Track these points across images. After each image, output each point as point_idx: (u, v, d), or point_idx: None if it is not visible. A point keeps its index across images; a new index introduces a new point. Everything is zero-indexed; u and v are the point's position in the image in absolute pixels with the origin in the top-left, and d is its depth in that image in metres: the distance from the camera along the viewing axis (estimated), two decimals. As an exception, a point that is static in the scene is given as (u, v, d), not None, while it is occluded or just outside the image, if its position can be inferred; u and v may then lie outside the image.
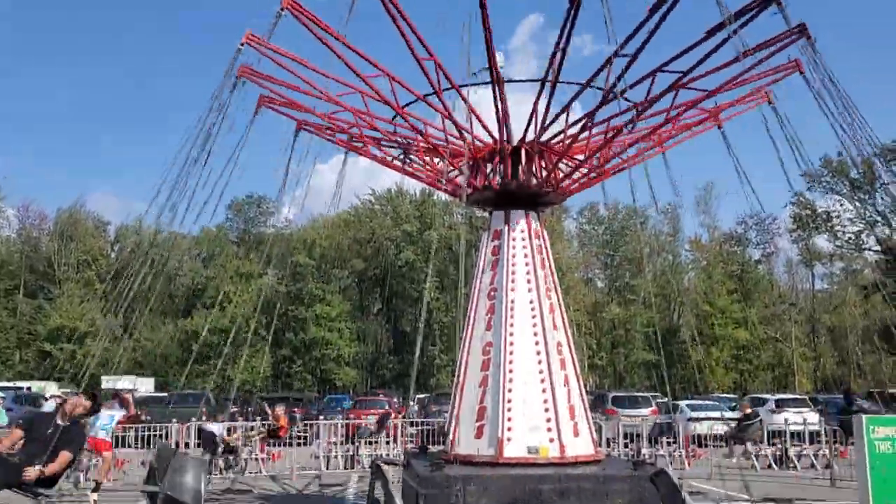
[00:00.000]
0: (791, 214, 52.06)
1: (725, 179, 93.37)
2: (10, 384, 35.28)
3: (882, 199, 47.05)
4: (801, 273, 66.17)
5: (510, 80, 10.92)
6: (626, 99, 10.38)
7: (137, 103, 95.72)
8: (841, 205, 50.26)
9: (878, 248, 50.56)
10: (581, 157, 11.40)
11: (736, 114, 11.55)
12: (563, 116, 10.66)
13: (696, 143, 11.74)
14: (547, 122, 10.45)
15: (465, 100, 10.49)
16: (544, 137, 10.73)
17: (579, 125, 10.71)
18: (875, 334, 53.07)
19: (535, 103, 10.20)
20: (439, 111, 10.71)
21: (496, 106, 10.23)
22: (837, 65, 9.67)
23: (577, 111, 11.29)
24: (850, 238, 51.80)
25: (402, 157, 12.28)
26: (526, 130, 10.83)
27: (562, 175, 11.23)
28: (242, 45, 9.72)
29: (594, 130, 11.01)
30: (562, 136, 10.84)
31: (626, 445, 19.84)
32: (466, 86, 10.57)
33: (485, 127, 10.98)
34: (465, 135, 10.87)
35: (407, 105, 10.71)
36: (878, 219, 49.92)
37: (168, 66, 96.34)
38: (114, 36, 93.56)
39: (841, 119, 9.38)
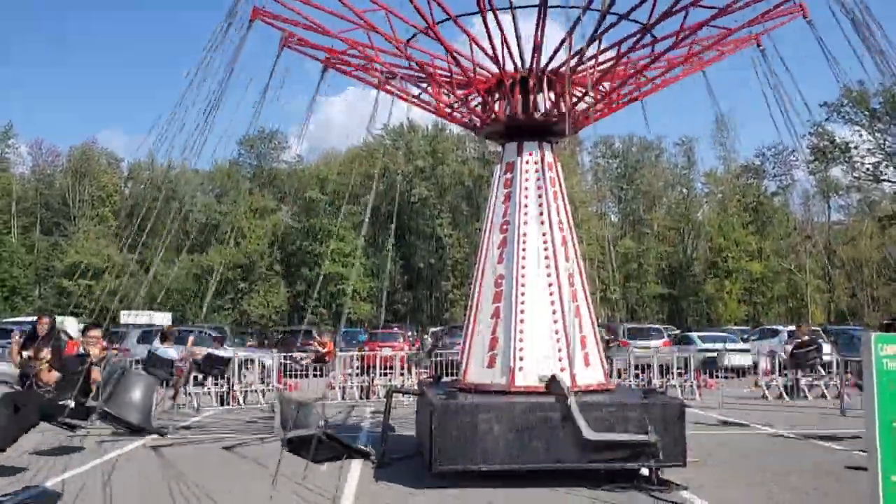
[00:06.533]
0: (808, 146, 51.18)
1: (743, 111, 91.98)
2: (30, 319, 35.94)
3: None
4: (817, 205, 65.50)
5: (552, 6, 10.62)
6: (651, 33, 10.14)
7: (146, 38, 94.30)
8: (860, 136, 49.40)
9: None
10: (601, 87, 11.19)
11: (730, 51, 11.31)
12: (591, 46, 10.33)
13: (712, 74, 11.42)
14: (573, 51, 10.18)
15: (465, 31, 10.30)
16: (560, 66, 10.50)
17: (610, 56, 10.50)
18: (890, 266, 52.80)
19: (570, 32, 9.92)
20: (443, 43, 10.49)
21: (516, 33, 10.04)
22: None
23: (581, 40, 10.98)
24: (868, 169, 51.01)
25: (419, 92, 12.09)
26: (551, 59, 10.57)
27: (582, 105, 11.05)
28: None
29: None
30: (592, 63, 10.60)
31: (636, 376, 20.06)
32: (467, 14, 10.32)
33: (495, 57, 10.72)
34: (469, 65, 10.66)
35: (411, 38, 10.44)
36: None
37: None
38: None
39: (867, 47, 9.22)
